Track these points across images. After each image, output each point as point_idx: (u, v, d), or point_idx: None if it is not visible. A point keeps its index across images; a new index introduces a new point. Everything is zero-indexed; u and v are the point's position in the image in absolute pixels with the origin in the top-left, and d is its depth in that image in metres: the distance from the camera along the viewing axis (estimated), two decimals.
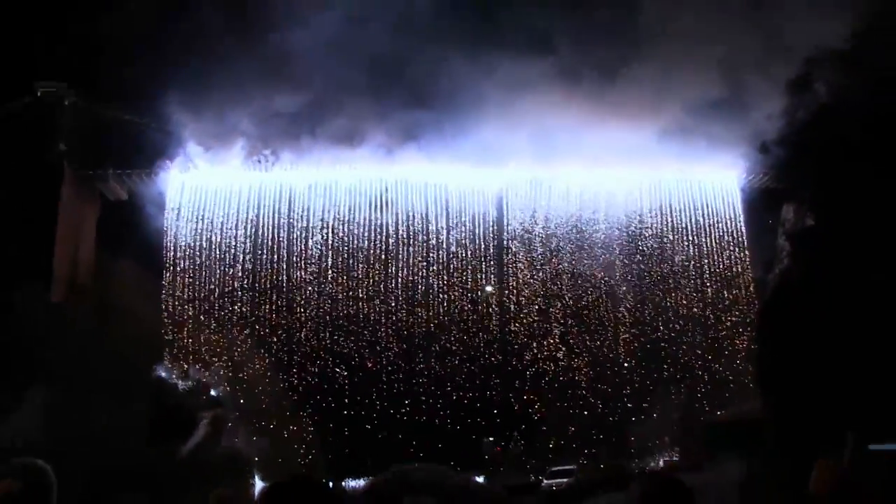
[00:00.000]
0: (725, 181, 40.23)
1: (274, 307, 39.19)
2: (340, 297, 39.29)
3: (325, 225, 39.40)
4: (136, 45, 34.08)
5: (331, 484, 34.57)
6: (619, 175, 39.60)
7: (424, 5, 35.21)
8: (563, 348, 39.25)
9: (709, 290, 40.24)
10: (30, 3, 34.63)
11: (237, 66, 34.90)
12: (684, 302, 40.05)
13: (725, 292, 40.11)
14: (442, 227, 39.88)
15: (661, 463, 36.02)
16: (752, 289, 39.56)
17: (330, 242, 39.47)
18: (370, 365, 38.38)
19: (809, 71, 32.54)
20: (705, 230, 40.57)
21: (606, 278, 40.04)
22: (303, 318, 39.13)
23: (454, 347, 39.02)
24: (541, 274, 40.24)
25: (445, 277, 39.69)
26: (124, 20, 33.76)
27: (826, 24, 30.06)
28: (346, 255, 39.57)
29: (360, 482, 34.71)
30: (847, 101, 31.10)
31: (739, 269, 40.26)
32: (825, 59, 31.82)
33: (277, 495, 2.86)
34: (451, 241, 39.79)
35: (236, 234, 39.23)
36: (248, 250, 39.20)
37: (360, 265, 39.52)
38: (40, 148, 35.01)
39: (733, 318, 39.39)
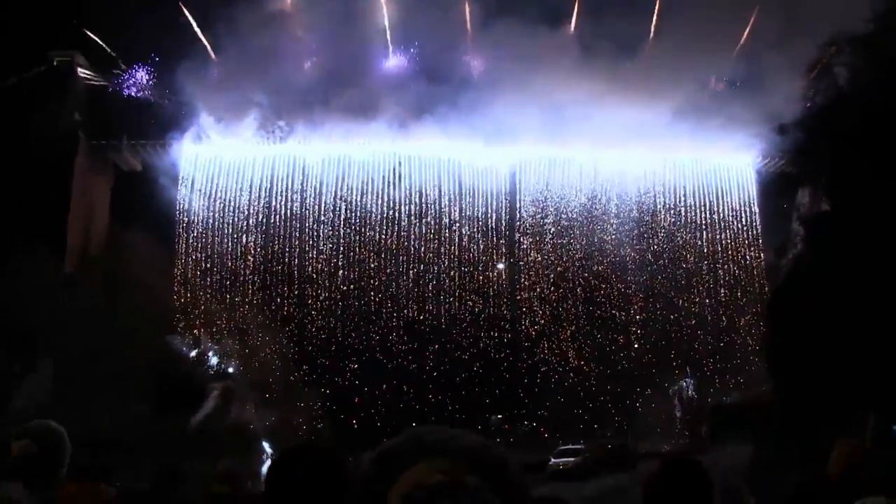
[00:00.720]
0: (741, 164, 40.04)
1: (285, 281, 39.25)
2: (351, 275, 39.23)
3: (336, 204, 39.36)
4: (148, 16, 33.93)
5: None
6: (634, 155, 39.37)
7: None
8: (573, 335, 39.16)
9: (721, 275, 40.08)
10: None
11: (250, 36, 34.74)
12: (696, 289, 39.91)
13: (737, 276, 39.99)
14: (455, 221, 39.76)
15: (666, 446, 36.06)
16: (764, 273, 39.42)
17: (342, 220, 39.45)
18: (379, 354, 38.23)
19: (829, 54, 32.17)
20: (719, 214, 40.34)
21: (618, 260, 39.93)
22: (314, 294, 39.16)
23: (463, 338, 38.96)
24: (552, 265, 40.03)
25: (457, 267, 39.54)
26: None
27: (847, 8, 29.64)
28: (357, 236, 39.48)
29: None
30: (866, 87, 30.73)
31: (753, 254, 40.08)
32: (845, 44, 31.42)
33: (288, 463, 2.84)
34: (463, 232, 39.60)
35: (249, 207, 39.22)
36: (260, 224, 39.26)
37: (372, 250, 39.34)
38: (55, 117, 35.00)
39: (747, 314, 39.15)
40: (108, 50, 36.75)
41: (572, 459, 31.16)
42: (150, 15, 33.94)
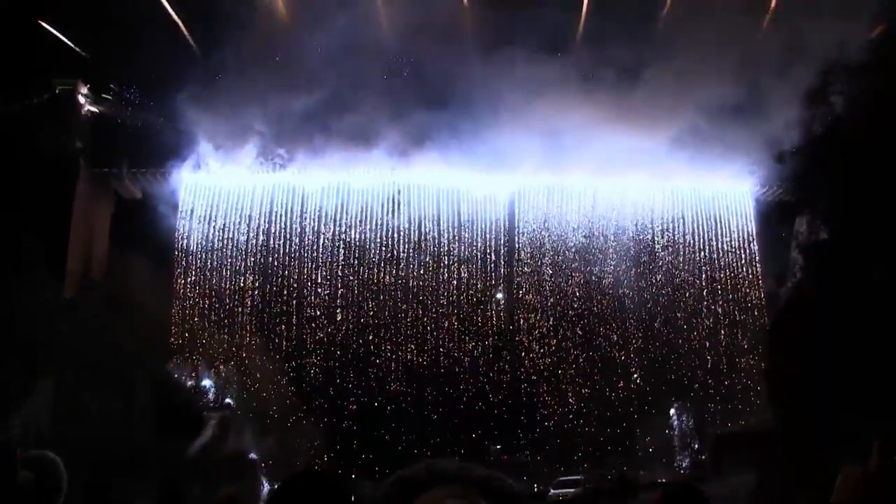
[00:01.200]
0: (739, 192, 40.13)
1: (283, 310, 39.19)
2: (350, 315, 39.21)
3: (336, 242, 39.38)
4: (150, 44, 34.14)
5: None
6: (632, 184, 39.42)
7: (442, 7, 35.30)
8: (572, 377, 39.04)
9: (720, 307, 39.94)
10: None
11: (252, 65, 35.01)
12: (696, 325, 39.89)
13: (736, 308, 39.88)
14: (454, 259, 39.61)
15: (664, 477, 35.92)
16: (763, 302, 39.38)
17: (340, 259, 39.39)
18: (378, 395, 38.19)
19: (826, 82, 32.32)
20: (718, 244, 40.28)
21: (616, 298, 39.86)
22: (312, 332, 39.12)
23: (462, 379, 38.91)
24: (551, 307, 40.01)
25: (455, 308, 39.46)
26: (138, 18, 33.92)
27: (845, 35, 29.82)
28: (356, 277, 39.45)
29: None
30: (862, 113, 30.86)
31: (752, 285, 39.95)
32: (842, 71, 31.59)
33: (292, 488, 2.83)
34: (462, 273, 39.50)
35: (248, 236, 39.20)
36: (259, 253, 39.18)
37: (371, 289, 39.29)
38: (57, 144, 35.07)
39: (747, 348, 39.07)
40: (110, 79, 36.92)
41: (572, 490, 30.94)
42: (151, 42, 34.13)
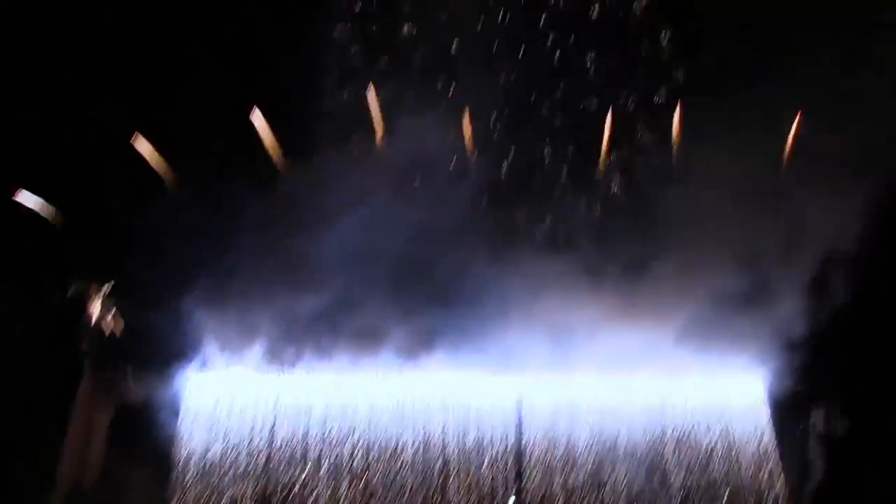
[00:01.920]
0: (750, 385, 39.50)
1: None
2: None
3: (341, 465, 38.02)
4: (156, 244, 35.19)
5: None
6: (641, 382, 38.97)
7: (445, 206, 36.83)
8: None
9: None
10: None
11: (257, 265, 35.88)
12: None
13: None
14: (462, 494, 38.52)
15: None
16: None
17: (344, 480, 37.29)
18: None
19: (827, 271, 33.18)
20: (736, 452, 39.08)
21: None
22: None
23: None
24: None
25: None
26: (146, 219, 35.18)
27: (843, 221, 30.99)
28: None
29: None
30: (867, 300, 31.46)
31: (772, 483, 38.54)
32: (842, 259, 32.52)
33: None
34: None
35: (251, 445, 37.80)
36: (259, 481, 37.13)
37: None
38: (63, 347, 35.14)
39: None
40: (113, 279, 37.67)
41: None
42: (160, 245, 35.17)
